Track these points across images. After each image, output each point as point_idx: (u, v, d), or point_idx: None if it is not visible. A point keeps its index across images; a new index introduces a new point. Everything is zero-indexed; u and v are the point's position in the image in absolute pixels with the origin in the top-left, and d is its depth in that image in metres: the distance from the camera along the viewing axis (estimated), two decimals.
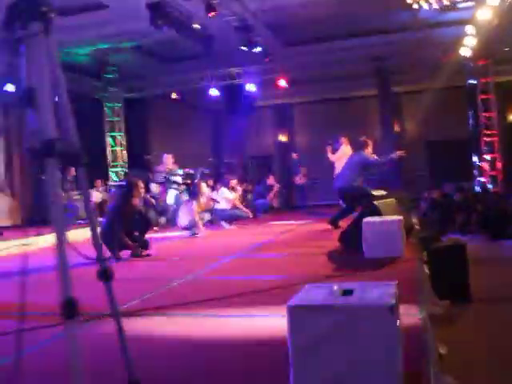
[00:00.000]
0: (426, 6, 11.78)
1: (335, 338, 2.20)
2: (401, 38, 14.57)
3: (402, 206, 8.73)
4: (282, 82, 15.56)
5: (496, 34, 13.07)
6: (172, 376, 2.77)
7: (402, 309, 3.58)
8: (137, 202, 7.18)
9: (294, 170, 13.96)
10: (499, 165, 14.98)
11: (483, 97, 14.96)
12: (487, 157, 14.99)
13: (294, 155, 14.19)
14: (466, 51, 14.15)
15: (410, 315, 3.47)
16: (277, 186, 13.71)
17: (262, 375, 2.70)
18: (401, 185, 15.79)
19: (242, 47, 12.83)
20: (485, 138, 15.07)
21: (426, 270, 6.37)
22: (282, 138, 21.73)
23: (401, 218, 5.73)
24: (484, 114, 14.82)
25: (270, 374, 2.66)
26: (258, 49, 13.04)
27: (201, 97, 16.91)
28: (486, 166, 15.01)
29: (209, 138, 19.95)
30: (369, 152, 8.86)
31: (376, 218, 5.70)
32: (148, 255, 7.08)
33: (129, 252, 7.03)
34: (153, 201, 10.69)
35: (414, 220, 9.88)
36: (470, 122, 15.73)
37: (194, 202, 9.53)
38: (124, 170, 15.71)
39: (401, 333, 2.48)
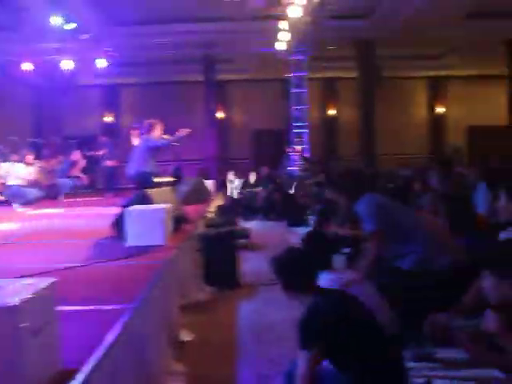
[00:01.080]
0: None
1: None
2: (227, 27, 14.68)
3: (194, 193, 8.82)
4: (103, 62, 14.99)
5: (310, 31, 13.59)
6: None
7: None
8: None
9: (104, 152, 13.51)
10: (307, 155, 15.74)
11: (297, 90, 15.56)
12: (298, 147, 15.69)
13: (103, 138, 13.77)
14: (281, 46, 14.58)
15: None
16: (82, 162, 12.93)
17: None
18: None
19: (56, 23, 12.11)
20: (296, 130, 15.74)
21: (197, 257, 6.44)
22: (108, 118, 21.13)
23: (168, 206, 5.68)
24: (297, 106, 15.42)
25: None
26: (72, 25, 12.39)
27: (17, 71, 15.78)
28: (295, 155, 15.72)
29: (27, 114, 18.72)
30: (156, 135, 8.34)
31: (141, 207, 5.62)
32: None
33: None
34: None
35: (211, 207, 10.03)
36: (285, 113, 16.34)
37: None
38: None
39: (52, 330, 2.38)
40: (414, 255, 4.17)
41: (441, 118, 22.95)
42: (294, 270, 2.98)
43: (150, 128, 8.25)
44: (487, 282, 2.75)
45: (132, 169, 8.19)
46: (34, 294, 2.19)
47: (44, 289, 2.29)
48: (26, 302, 2.10)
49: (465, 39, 16.41)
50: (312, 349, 2.63)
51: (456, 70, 21.64)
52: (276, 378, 3.85)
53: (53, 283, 2.40)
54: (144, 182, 7.86)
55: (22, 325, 2.07)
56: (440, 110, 22.99)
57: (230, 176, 15.29)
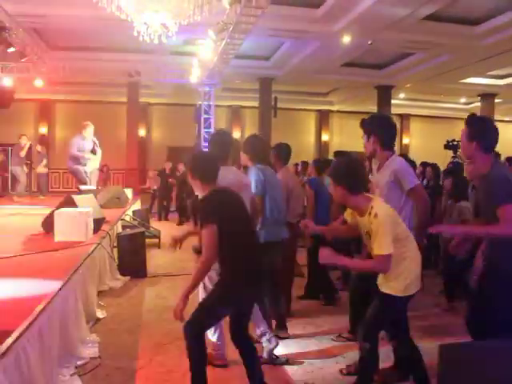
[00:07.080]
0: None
1: None
2: (150, 58, 14.94)
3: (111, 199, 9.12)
4: (39, 83, 14.87)
5: (218, 67, 14.13)
6: None
7: None
8: None
9: (38, 160, 13.46)
10: None
11: (205, 116, 16.06)
12: None
13: (39, 148, 13.71)
14: (194, 78, 15.03)
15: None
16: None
17: None
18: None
19: None
20: (206, 148, 16.14)
21: (111, 252, 6.81)
22: (44, 130, 20.86)
23: (89, 210, 6.04)
24: (206, 130, 15.88)
25: None
26: (12, 49, 12.31)
27: None
28: None
29: None
30: (88, 133, 8.88)
31: (67, 209, 5.94)
32: None
33: None
34: None
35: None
36: (196, 134, 16.72)
37: None
38: None
39: None
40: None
41: (325, 144, 24.34)
42: (206, 166, 3.38)
43: (82, 127, 8.63)
44: (330, 187, 3.36)
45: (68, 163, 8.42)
46: None
47: None
48: None
49: (341, 83, 17.74)
50: (211, 223, 3.09)
51: (338, 106, 23.12)
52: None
53: None
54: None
55: None
56: (325, 137, 24.39)
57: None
